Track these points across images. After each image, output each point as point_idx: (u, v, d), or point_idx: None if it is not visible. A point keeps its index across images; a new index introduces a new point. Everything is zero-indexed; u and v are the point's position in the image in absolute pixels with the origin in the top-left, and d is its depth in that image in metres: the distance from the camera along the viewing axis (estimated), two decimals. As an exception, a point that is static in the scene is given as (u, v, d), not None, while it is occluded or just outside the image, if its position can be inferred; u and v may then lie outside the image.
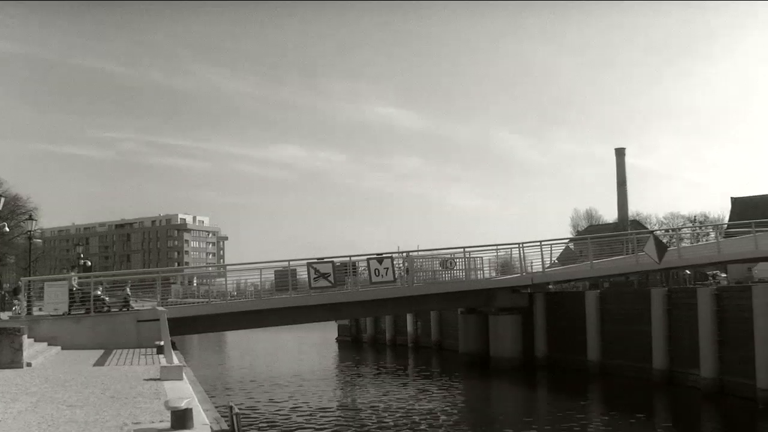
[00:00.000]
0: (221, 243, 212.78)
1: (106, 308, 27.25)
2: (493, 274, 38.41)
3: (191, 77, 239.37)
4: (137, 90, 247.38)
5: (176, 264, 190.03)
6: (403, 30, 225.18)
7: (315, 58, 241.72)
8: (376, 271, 32.98)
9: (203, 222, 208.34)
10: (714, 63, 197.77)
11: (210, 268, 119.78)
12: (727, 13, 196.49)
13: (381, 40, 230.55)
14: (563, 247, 51.83)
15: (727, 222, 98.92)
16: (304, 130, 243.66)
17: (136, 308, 28.58)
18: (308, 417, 25.01)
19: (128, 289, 29.51)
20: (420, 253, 38.15)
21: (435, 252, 38.48)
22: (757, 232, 40.95)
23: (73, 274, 34.16)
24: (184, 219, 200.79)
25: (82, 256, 60.82)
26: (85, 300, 26.92)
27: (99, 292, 27.53)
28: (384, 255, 33.56)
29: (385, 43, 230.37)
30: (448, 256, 37.18)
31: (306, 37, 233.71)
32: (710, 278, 64.86)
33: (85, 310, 26.62)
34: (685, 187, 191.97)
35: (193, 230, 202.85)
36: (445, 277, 37.10)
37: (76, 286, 27.69)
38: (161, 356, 20.68)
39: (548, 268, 37.55)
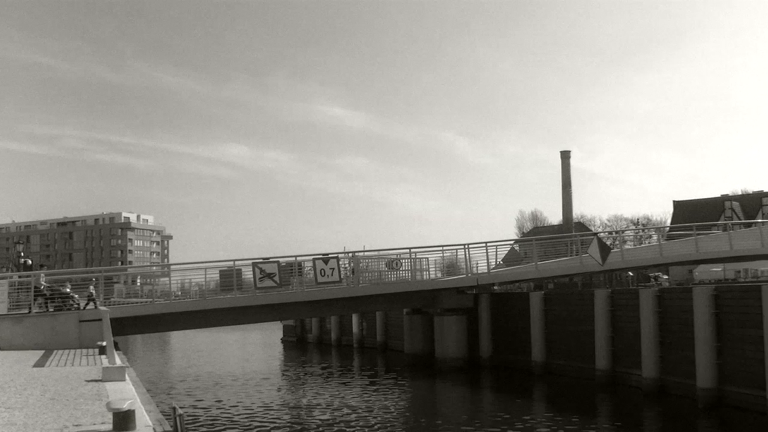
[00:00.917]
0: (166, 242, 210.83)
1: (75, 306, 26.82)
2: (439, 275, 38.55)
3: (135, 73, 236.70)
4: (79, 86, 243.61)
5: (120, 263, 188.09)
6: (351, 30, 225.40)
7: (263, 57, 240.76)
8: (322, 271, 32.95)
9: (147, 221, 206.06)
10: (657, 68, 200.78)
11: (154, 268, 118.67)
12: (670, 20, 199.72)
13: (329, 41, 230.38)
14: (508, 249, 52.23)
15: (669, 225, 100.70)
16: (250, 129, 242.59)
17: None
18: (252, 418, 24.82)
19: (92, 288, 29.04)
20: (366, 253, 38.16)
21: (381, 252, 38.54)
22: (697, 234, 41.64)
23: (41, 272, 33.55)
24: (128, 217, 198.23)
25: (22, 254, 59.64)
26: (53, 298, 26.52)
27: (68, 290, 27.19)
28: (330, 255, 33.51)
29: (333, 44, 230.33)
30: (394, 256, 37.26)
31: (254, 36, 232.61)
32: (652, 280, 65.77)
33: (55, 308, 26.21)
34: (629, 190, 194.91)
35: (137, 229, 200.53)
36: (391, 277, 37.16)
37: (44, 284, 27.17)
38: (103, 357, 20.40)
39: (493, 269, 37.81)
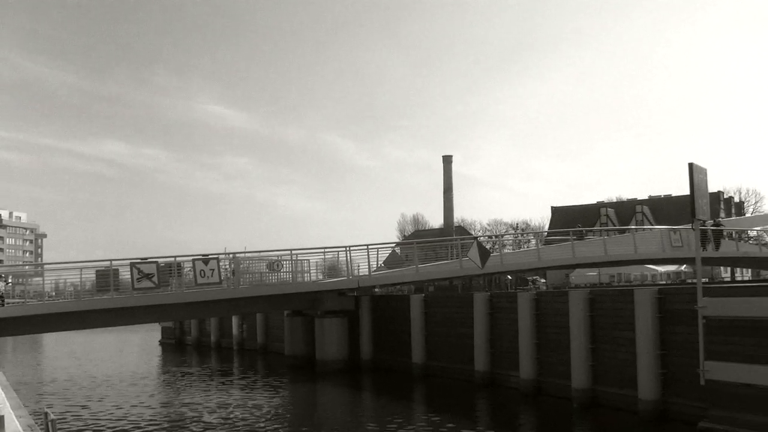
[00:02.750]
0: (40, 241, 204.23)
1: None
2: (320, 277, 38.39)
3: (8, 65, 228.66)
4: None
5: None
6: (235, 28, 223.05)
7: (144, 53, 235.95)
8: (202, 272, 32.46)
9: (20, 218, 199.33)
10: (537, 76, 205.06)
11: (26, 267, 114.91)
12: (549, 28, 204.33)
13: (213, 38, 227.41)
14: (390, 251, 52.42)
15: (547, 230, 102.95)
16: (130, 125, 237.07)
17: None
18: (128, 421, 24.27)
19: (2, 285, 27.92)
20: (247, 254, 37.69)
21: (262, 254, 38.21)
22: (574, 240, 42.61)
23: None
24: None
25: None
26: None
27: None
28: (210, 256, 33.03)
29: (217, 41, 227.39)
30: (275, 258, 37.04)
31: (136, 30, 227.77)
32: (530, 283, 67.12)
33: None
34: (509, 195, 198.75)
35: (9, 226, 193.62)
36: (272, 279, 36.90)
37: None
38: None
39: (375, 271, 37.86)
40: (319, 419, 25.49)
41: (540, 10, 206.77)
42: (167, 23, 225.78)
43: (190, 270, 33.01)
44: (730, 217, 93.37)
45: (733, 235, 54.17)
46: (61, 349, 54.39)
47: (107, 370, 39.89)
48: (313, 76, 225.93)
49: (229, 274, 34.75)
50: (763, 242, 59.01)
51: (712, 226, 49.36)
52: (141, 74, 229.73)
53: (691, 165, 18.83)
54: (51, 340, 62.01)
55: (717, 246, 48.10)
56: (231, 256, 35.36)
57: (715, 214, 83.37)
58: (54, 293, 35.74)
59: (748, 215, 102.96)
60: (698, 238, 20.84)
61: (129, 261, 31.70)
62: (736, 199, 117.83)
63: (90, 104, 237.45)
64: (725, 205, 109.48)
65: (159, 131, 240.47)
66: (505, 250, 46.93)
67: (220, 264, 33.26)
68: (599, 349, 24.56)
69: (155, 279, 31.48)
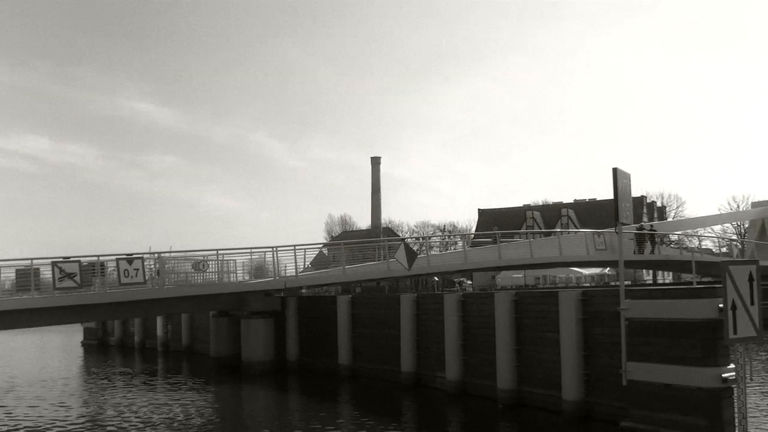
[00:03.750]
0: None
1: None
2: (247, 278, 38.14)
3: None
4: None
5: None
6: (163, 24, 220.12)
7: (69, 47, 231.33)
8: (126, 272, 32.02)
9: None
10: (466, 80, 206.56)
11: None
12: (477, 34, 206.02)
13: (140, 34, 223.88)
14: (317, 252, 52.33)
15: (474, 232, 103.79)
16: (52, 120, 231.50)
17: None
18: (47, 424, 23.82)
19: None
20: (172, 254, 37.25)
21: (188, 253, 37.81)
22: (501, 242, 43.03)
23: None
24: None
25: None
26: None
27: None
28: (134, 255, 32.59)
29: (144, 37, 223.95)
30: (201, 258, 36.71)
31: (59, 24, 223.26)
32: (457, 285, 67.59)
33: None
34: (436, 197, 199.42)
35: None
36: (198, 279, 36.56)
37: None
38: None
39: (302, 272, 37.76)
40: (244, 421, 25.28)
41: (468, 16, 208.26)
42: (93, 18, 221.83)
43: (113, 270, 32.52)
44: (653, 221, 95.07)
45: (658, 238, 55.28)
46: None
47: (26, 373, 39.05)
48: (242, 76, 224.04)
49: (153, 274, 34.33)
50: (683, 246, 60.32)
51: (649, 230, 50.51)
52: (65, 69, 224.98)
53: (615, 170, 19.09)
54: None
55: (653, 250, 49.42)
56: (156, 255, 34.90)
57: (638, 218, 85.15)
58: (-29, 293, 34.87)
59: (669, 219, 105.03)
60: (621, 241, 21.14)
61: (50, 260, 31.07)
62: (659, 204, 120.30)
63: (9, 97, 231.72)
64: (648, 209, 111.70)
65: (83, 127, 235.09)
66: (432, 252, 47.18)
67: (145, 264, 32.83)
68: (524, 350, 24.78)
69: (77, 278, 30.93)
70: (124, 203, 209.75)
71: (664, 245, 50.93)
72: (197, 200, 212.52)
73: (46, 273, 31.18)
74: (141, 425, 23.71)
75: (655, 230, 52.74)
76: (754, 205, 76.30)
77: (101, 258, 32.79)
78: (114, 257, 32.60)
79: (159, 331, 51.21)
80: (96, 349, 54.61)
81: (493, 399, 25.29)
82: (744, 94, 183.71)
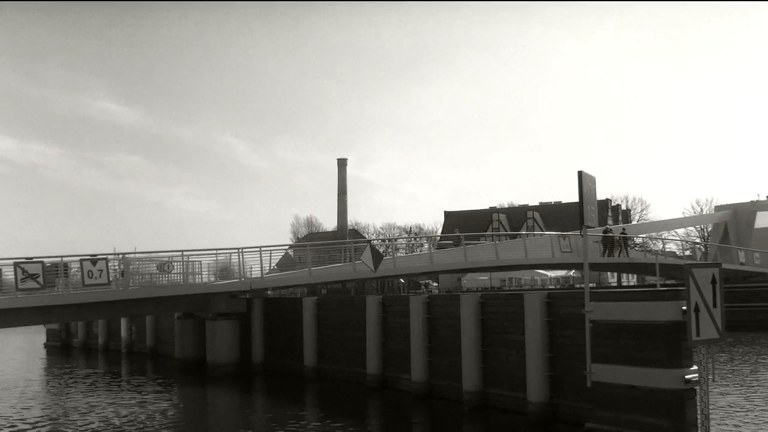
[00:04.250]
0: None
1: None
2: (212, 279, 37.95)
3: None
4: None
5: None
6: (129, 25, 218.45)
7: (34, 45, 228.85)
8: (90, 273, 31.73)
9: None
10: (432, 83, 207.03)
11: None
12: (442, 37, 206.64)
13: (107, 33, 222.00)
14: (283, 254, 52.20)
15: (440, 234, 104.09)
16: (16, 119, 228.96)
17: None
18: (7, 424, 23.54)
19: None
20: (137, 255, 36.98)
21: (152, 254, 37.55)
22: (466, 244, 43.14)
23: None
24: None
25: None
26: None
27: None
28: (98, 256, 32.31)
29: (111, 37, 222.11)
30: (166, 259, 36.47)
31: (25, 22, 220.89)
32: (423, 287, 67.76)
33: None
34: (403, 199, 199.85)
35: None
36: (163, 280, 36.33)
37: None
38: None
39: (268, 274, 37.63)
40: (208, 423, 25.18)
41: (437, 18, 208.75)
42: (58, 16, 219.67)
43: (77, 270, 32.22)
44: (618, 224, 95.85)
45: (630, 242, 55.84)
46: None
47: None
48: (208, 76, 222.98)
49: (118, 275, 34.08)
50: (647, 249, 60.76)
51: (621, 233, 51.00)
52: (30, 67, 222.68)
53: (580, 173, 19.18)
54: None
55: (625, 253, 49.97)
56: (120, 256, 34.64)
57: (603, 221, 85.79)
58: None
59: (634, 222, 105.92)
60: (586, 243, 21.27)
61: (12, 260, 30.73)
62: (624, 207, 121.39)
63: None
64: (613, 212, 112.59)
65: (47, 126, 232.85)
66: (399, 254, 47.22)
67: (109, 264, 32.58)
68: (490, 352, 24.85)
69: (40, 279, 30.60)
70: (89, 203, 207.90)
71: (629, 248, 51.37)
72: (162, 201, 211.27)
73: (9, 274, 30.88)
74: (102, 427, 23.50)
75: (626, 233, 53.22)
76: (718, 208, 77.23)
77: (65, 259, 32.49)
78: (78, 258, 32.28)
79: (123, 333, 50.80)
80: (59, 350, 54.14)
81: (459, 401, 25.33)
82: (708, 100, 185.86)
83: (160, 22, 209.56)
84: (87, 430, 23.21)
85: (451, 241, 44.72)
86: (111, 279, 32.64)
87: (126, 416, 25.42)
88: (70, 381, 36.05)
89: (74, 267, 32.61)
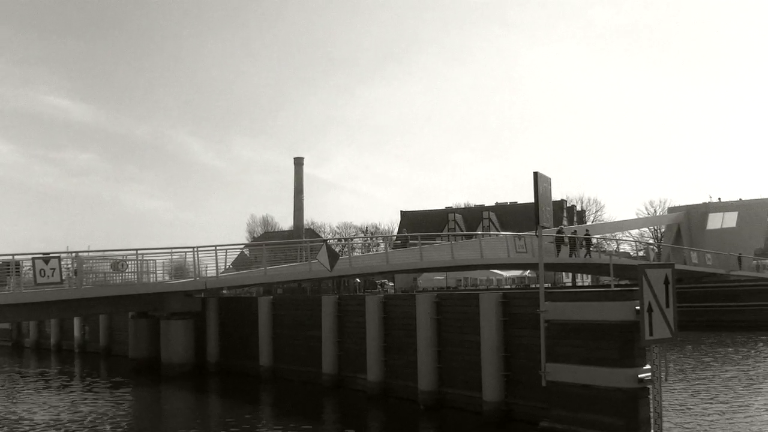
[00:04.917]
0: None
1: None
2: (167, 278, 37.65)
3: None
4: None
5: None
6: (80, 20, 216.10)
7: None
8: (42, 271, 31.31)
9: None
10: (387, 83, 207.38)
11: None
12: (408, 38, 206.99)
13: (60, 28, 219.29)
14: (239, 253, 51.93)
15: (396, 234, 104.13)
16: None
17: None
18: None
19: None
20: (90, 253, 36.56)
21: (106, 253, 37.20)
22: (422, 244, 43.24)
23: None
24: None
25: None
26: None
27: None
28: (51, 255, 31.90)
29: (64, 32, 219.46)
30: (120, 257, 36.12)
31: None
32: (379, 286, 67.79)
33: None
34: (359, 198, 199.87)
35: None
36: (117, 279, 35.97)
37: None
38: None
39: (223, 273, 37.43)
40: (161, 423, 24.98)
41: (395, 20, 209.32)
42: (10, 9, 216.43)
43: (29, 269, 31.81)
44: (573, 224, 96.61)
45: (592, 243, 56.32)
46: None
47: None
48: (162, 73, 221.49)
49: (71, 274, 33.66)
50: (602, 249, 61.46)
51: (585, 234, 51.48)
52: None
53: (535, 174, 19.31)
54: None
55: (588, 253, 50.40)
56: (73, 255, 34.23)
57: (558, 221, 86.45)
58: None
59: (588, 223, 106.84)
60: (541, 244, 21.40)
61: (-38, 260, 30.34)
62: (579, 208, 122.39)
63: None
64: (568, 213, 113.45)
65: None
66: (355, 254, 47.21)
67: (62, 263, 32.18)
68: (445, 352, 24.89)
69: (-10, 278, 30.24)
70: (41, 201, 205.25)
71: (582, 248, 51.80)
72: (116, 199, 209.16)
73: (-42, 273, 30.44)
74: (50, 429, 23.20)
75: (589, 234, 53.70)
76: (671, 210, 78.23)
77: (16, 257, 32.14)
78: (29, 256, 31.86)
79: (76, 333, 50.19)
80: (9, 350, 53.40)
81: (415, 400, 25.35)
82: (662, 102, 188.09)
83: (116, 18, 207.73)
84: (35, 430, 22.91)
85: (413, 241, 44.59)
86: (64, 278, 32.24)
87: (76, 417, 25.12)
88: (20, 381, 35.57)
89: (26, 265, 32.23)
